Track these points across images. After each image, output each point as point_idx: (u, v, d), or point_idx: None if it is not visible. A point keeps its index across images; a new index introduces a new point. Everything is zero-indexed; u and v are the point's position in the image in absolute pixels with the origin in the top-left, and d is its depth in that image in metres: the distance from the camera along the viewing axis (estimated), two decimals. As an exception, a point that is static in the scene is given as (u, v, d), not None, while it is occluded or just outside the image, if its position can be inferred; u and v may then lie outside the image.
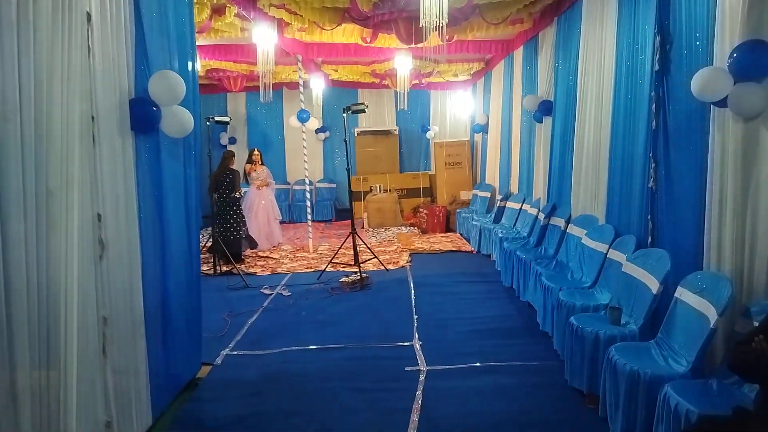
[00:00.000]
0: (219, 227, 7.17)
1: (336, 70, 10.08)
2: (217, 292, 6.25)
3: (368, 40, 6.89)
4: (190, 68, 3.61)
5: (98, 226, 2.71)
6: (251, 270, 7.22)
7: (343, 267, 7.12)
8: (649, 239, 3.82)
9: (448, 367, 3.96)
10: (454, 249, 8.34)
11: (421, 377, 3.79)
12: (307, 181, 8.93)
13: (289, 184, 12.49)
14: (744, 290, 2.81)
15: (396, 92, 12.00)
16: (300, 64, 8.27)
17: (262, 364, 4.18)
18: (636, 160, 4.06)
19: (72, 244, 2.42)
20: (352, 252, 6.96)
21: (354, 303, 5.69)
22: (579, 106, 5.28)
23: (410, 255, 7.95)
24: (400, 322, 4.99)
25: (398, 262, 7.50)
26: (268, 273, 7.11)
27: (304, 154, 8.66)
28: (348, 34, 6.86)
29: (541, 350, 4.22)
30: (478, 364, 3.98)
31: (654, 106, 3.74)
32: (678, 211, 3.53)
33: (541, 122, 6.42)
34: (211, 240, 7.17)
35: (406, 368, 3.96)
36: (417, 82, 10.86)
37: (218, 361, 4.25)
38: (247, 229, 7.73)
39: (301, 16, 5.89)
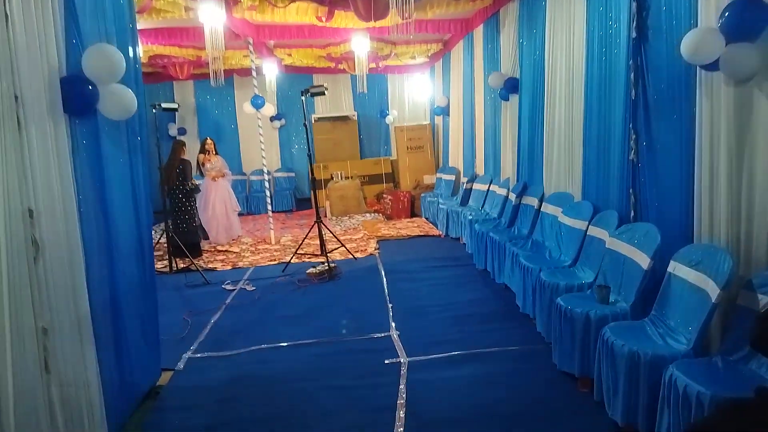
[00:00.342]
0: (172, 221, 6.71)
1: (290, 54, 9.65)
2: (175, 290, 5.83)
3: (324, 19, 6.53)
4: (129, 42, 3.20)
5: (30, 224, 2.33)
6: (210, 265, 6.81)
7: (309, 258, 6.80)
8: (632, 213, 3.69)
9: (429, 357, 3.75)
10: (422, 234, 8.15)
11: (403, 370, 3.56)
12: (265, 171, 8.51)
13: (245, 174, 12.00)
14: (742, 262, 2.69)
15: (353, 77, 11.68)
16: (251, 48, 7.82)
17: (230, 366, 3.85)
18: (613, 132, 3.92)
19: (-2, 245, 2.04)
20: (317, 242, 6.65)
21: (324, 295, 5.40)
22: (548, 82, 5.12)
23: (378, 242, 7.70)
24: (374, 312, 4.75)
25: (366, 249, 7.24)
26: (229, 267, 6.72)
27: (261, 143, 8.24)
28: (302, 13, 6.47)
29: (524, 334, 4.06)
30: (460, 352, 3.78)
31: (632, 75, 3.59)
32: (663, 183, 3.40)
33: (508, 100, 6.25)
34: (164, 236, 6.70)
35: (386, 361, 3.72)
36: (374, 65, 10.55)
37: (180, 365, 3.90)
38: (198, 219, 7.31)
39: (252, -8, 5.49)
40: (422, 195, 9.82)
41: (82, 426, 2.66)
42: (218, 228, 7.97)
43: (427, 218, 9.35)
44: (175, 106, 6.56)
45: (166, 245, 6.72)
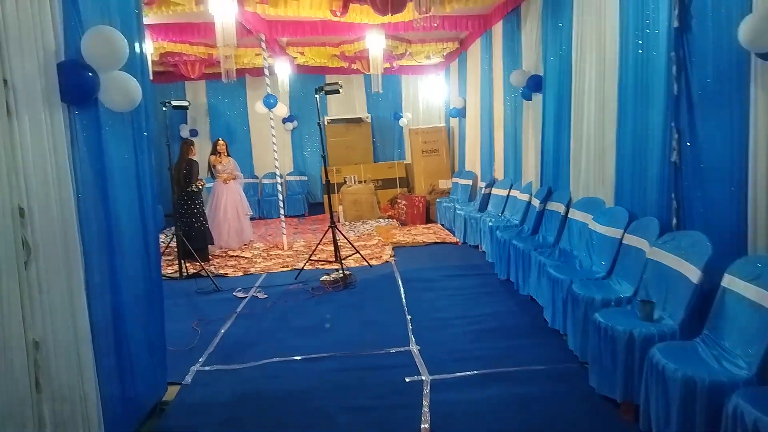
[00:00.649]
0: (180, 223, 6.50)
1: (302, 53, 9.43)
2: (185, 297, 5.61)
3: (338, 13, 6.30)
4: (135, 29, 2.98)
5: (20, 224, 2.10)
6: (221, 271, 6.58)
7: (323, 264, 6.55)
8: (674, 221, 3.40)
9: (453, 375, 3.47)
10: (439, 241, 7.87)
11: (426, 389, 3.29)
12: (278, 174, 8.29)
13: (257, 177, 11.80)
14: (812, 276, 2.40)
15: (366, 77, 11.47)
16: (263, 45, 7.61)
17: (240, 380, 3.61)
18: (652, 132, 3.63)
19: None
20: (331, 248, 6.40)
21: (338, 304, 5.14)
22: (575, 79, 4.84)
23: (393, 249, 7.43)
24: (392, 324, 4.48)
25: (381, 256, 6.98)
26: (241, 274, 6.49)
27: (273, 143, 8.02)
28: (316, 7, 6.25)
29: (555, 351, 3.77)
30: (486, 370, 3.50)
31: (674, 68, 3.30)
32: (710, 187, 3.12)
33: (530, 99, 5.98)
34: (174, 239, 6.49)
35: (407, 379, 3.45)
36: (388, 65, 10.31)
37: (188, 379, 3.65)
38: (206, 222, 7.09)
39: (265, -17, 5.27)
40: (438, 200, 9.56)
41: (79, 445, 2.43)
42: (229, 232, 7.75)
43: (443, 224, 9.07)
44: (185, 103, 6.37)
45: (176, 249, 6.52)
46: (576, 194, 4.89)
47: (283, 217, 8.01)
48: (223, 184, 7.78)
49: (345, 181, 10.61)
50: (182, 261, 6.26)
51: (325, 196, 7.05)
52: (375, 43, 7.71)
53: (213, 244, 7.39)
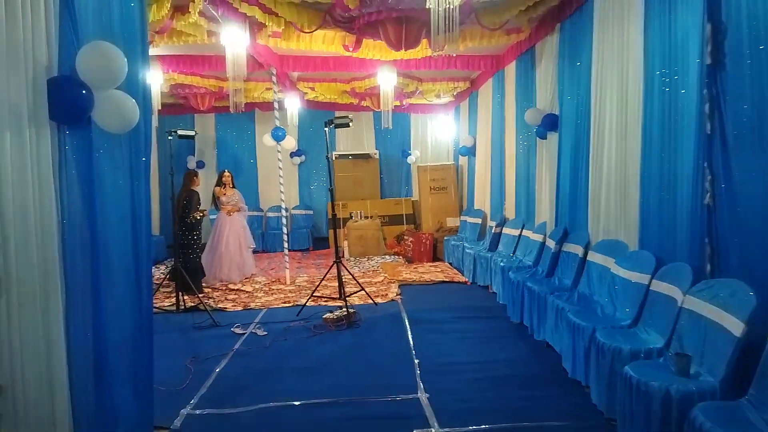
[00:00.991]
0: (179, 254, 6.27)
1: (313, 88, 9.40)
2: (180, 332, 5.33)
3: (351, 48, 6.23)
4: (139, 49, 2.83)
5: (-8, 254, 1.89)
6: (220, 305, 6.31)
7: (326, 301, 6.28)
8: (708, 268, 3.15)
9: (467, 429, 3.16)
10: (447, 280, 7.60)
11: (436, 445, 2.99)
12: (283, 207, 8.11)
13: (262, 210, 11.64)
14: None
15: (375, 114, 11.45)
16: (274, 79, 7.56)
17: (233, 427, 3.31)
18: (681, 173, 3.41)
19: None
20: (335, 284, 6.15)
21: (342, 344, 4.85)
22: (594, 117, 4.68)
23: (399, 287, 7.16)
24: (398, 368, 4.19)
25: (387, 294, 6.70)
26: (240, 308, 6.22)
27: (280, 176, 7.87)
28: (329, 42, 6.20)
29: (577, 405, 3.46)
30: (503, 425, 3.20)
31: (707, 107, 3.12)
32: (749, 232, 2.87)
33: (545, 138, 5.81)
34: (174, 271, 6.25)
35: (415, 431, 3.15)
36: (398, 103, 10.27)
37: (176, 423, 3.36)
38: (200, 255, 6.88)
39: (277, 15, 5.19)
40: (446, 238, 9.32)
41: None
42: (230, 265, 7.52)
43: (450, 263, 8.81)
44: (192, 133, 6.24)
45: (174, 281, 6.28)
46: (595, 236, 4.65)
47: (286, 251, 7.78)
48: (227, 216, 7.59)
49: (351, 216, 10.43)
50: (180, 293, 5.99)
51: (331, 231, 6.83)
52: (386, 80, 7.64)
53: (204, 276, 7.13)
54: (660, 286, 3.44)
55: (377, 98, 9.19)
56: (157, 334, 4.99)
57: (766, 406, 2.34)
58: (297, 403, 3.59)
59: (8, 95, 1.95)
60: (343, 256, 9.59)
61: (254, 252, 8.42)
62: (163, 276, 7.19)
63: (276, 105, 7.83)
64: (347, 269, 6.46)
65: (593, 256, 4.48)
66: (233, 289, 7.12)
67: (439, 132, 11.93)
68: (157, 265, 9.24)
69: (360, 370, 4.20)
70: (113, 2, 2.62)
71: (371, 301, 6.29)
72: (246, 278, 7.78)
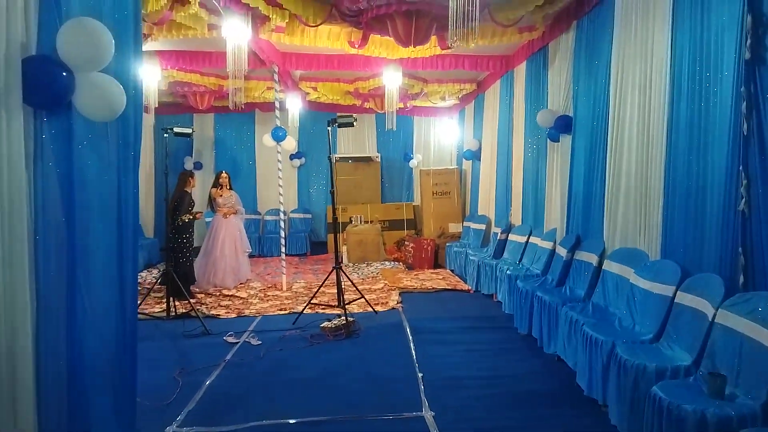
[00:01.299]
0: (171, 258, 6.01)
1: (315, 89, 9.18)
2: (170, 340, 5.07)
3: (357, 45, 6.01)
4: (132, 26, 2.59)
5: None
6: (213, 312, 6.05)
7: (323, 309, 6.03)
8: (741, 279, 2.91)
9: (477, 452, 2.92)
10: (449, 287, 7.34)
11: (444, 470, 2.73)
12: (281, 211, 7.87)
13: (260, 213, 11.39)
14: None
15: (378, 117, 11.24)
16: (276, 77, 7.33)
17: (221, 447, 3.05)
18: (712, 177, 3.19)
19: None
20: (333, 290, 5.89)
21: (340, 355, 4.60)
22: (613, 118, 4.44)
23: (400, 294, 6.91)
24: (401, 382, 3.93)
25: (387, 302, 6.44)
26: (234, 315, 5.96)
27: (279, 178, 7.62)
28: (334, 38, 5.97)
29: (595, 426, 3.22)
30: (517, 447, 2.95)
31: (744, 105, 2.89)
32: (789, 242, 2.64)
33: (557, 141, 5.58)
34: (165, 275, 5.98)
35: (422, 455, 2.90)
36: (402, 105, 10.05)
37: (161, 441, 3.10)
38: (191, 259, 6.62)
39: (282, 7, 4.96)
40: (447, 244, 9.09)
41: None
42: (225, 269, 7.25)
43: (452, 270, 8.57)
44: (188, 131, 5.98)
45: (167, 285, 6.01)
46: (611, 244, 4.41)
47: (283, 256, 7.52)
48: (223, 219, 7.34)
49: (351, 221, 10.19)
50: (170, 299, 5.73)
51: (331, 235, 6.57)
52: (391, 80, 7.42)
53: (192, 282, 6.87)
54: (686, 299, 3.20)
55: (381, 99, 8.97)
56: (144, 342, 4.75)
57: (818, 436, 2.10)
58: (292, 421, 3.32)
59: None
60: (341, 262, 9.35)
61: (250, 256, 8.17)
62: (155, 280, 6.93)
63: (277, 105, 7.59)
64: (347, 276, 6.20)
65: (609, 265, 4.24)
66: (227, 295, 6.86)
67: (442, 135, 11.72)
68: (150, 269, 8.98)
69: (360, 384, 3.95)
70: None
71: (371, 309, 6.04)
72: (241, 283, 7.51)
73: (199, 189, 10.32)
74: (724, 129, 3.05)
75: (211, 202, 7.46)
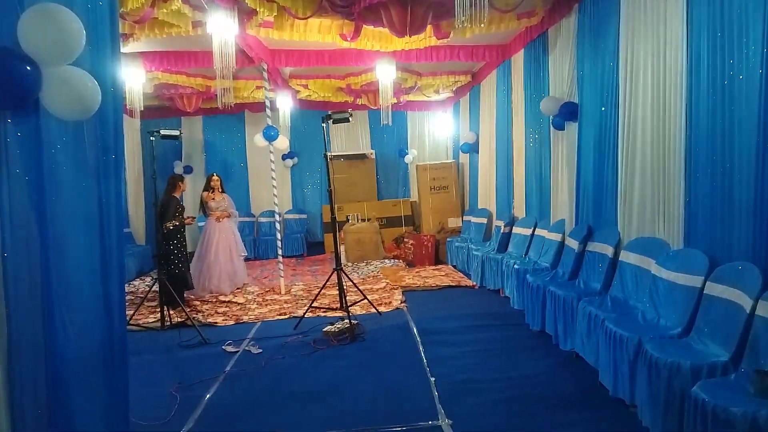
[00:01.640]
0: (162, 266, 5.75)
1: (306, 86, 8.92)
2: (166, 352, 4.82)
3: (349, 37, 5.76)
4: (108, 15, 2.34)
5: None
6: (210, 320, 5.80)
7: (324, 312, 5.80)
8: (777, 268, 2.70)
9: (502, 464, 2.70)
10: (453, 284, 7.13)
11: (469, 487, 2.51)
12: (276, 212, 7.60)
13: (254, 216, 11.13)
14: None
15: (371, 114, 11.01)
16: (265, 75, 7.08)
17: (225, 470, 2.82)
18: (740, 158, 2.97)
19: None
20: (332, 291, 5.66)
21: (346, 361, 4.37)
22: (624, 103, 4.23)
23: (403, 293, 6.69)
24: (413, 389, 3.71)
25: (390, 302, 6.22)
26: (232, 323, 5.71)
27: (273, 179, 7.37)
28: (325, 31, 5.72)
29: (627, 429, 3.01)
30: (545, 457, 2.73)
31: (774, 80, 2.68)
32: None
33: (563, 129, 5.36)
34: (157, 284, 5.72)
35: (443, 471, 2.67)
36: (395, 100, 9.80)
37: (160, 465, 2.87)
38: (184, 266, 6.35)
39: (270, 0, 4.71)
40: (448, 240, 8.87)
41: None
42: (221, 275, 7.00)
43: (455, 266, 8.36)
44: (176, 133, 5.72)
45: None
46: (627, 233, 4.20)
47: (280, 258, 7.28)
48: (216, 223, 7.08)
49: (347, 219, 9.95)
50: (165, 308, 5.47)
51: (330, 235, 6.31)
52: (385, 73, 7.18)
53: (190, 289, 6.61)
54: (717, 290, 2.99)
55: (374, 95, 8.72)
56: (138, 356, 4.55)
57: None
58: (301, 436, 3.11)
59: None
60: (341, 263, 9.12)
61: (246, 260, 7.91)
62: (148, 288, 6.66)
63: (267, 104, 7.34)
64: (348, 277, 5.97)
65: (626, 256, 4.03)
66: (224, 301, 6.61)
67: (436, 130, 11.49)
68: (143, 277, 8.71)
69: (370, 392, 3.72)
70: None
71: (374, 311, 5.81)
72: (238, 289, 7.26)
73: (190, 193, 10.05)
74: (753, 106, 2.83)
75: (203, 206, 7.20)
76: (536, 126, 6.14)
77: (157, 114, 10.37)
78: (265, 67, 7.01)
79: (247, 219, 10.87)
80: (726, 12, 3.04)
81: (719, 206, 3.14)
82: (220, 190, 7.28)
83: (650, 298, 3.55)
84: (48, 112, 2.00)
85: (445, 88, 9.57)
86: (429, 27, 5.50)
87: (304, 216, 11.27)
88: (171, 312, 5.59)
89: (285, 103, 9.07)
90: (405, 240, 9.44)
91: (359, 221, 9.94)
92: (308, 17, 4.96)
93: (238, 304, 6.50)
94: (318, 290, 6.04)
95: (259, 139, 7.35)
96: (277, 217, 7.61)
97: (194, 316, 5.80)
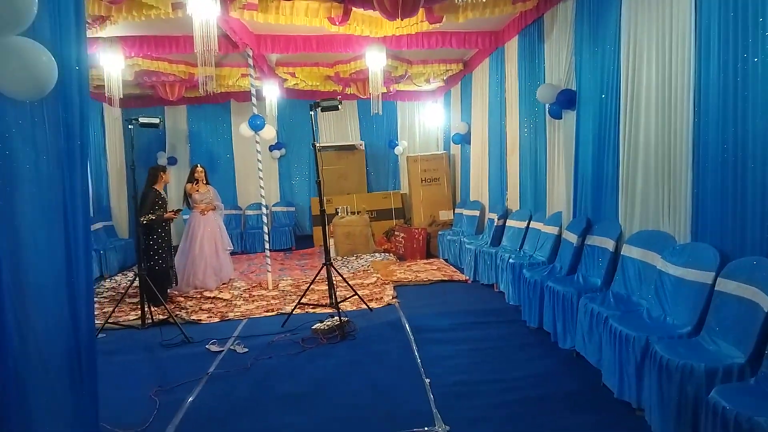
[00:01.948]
0: (143, 261, 5.49)
1: (293, 74, 8.64)
2: (146, 352, 4.58)
3: (338, 21, 5.51)
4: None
5: None
6: (194, 317, 5.56)
7: (313, 308, 5.58)
8: (796, 262, 2.54)
9: (504, 474, 2.52)
10: (445, 278, 6.95)
11: (470, 501, 2.33)
12: (263, 205, 7.37)
13: (240, 208, 10.86)
14: None
15: (360, 104, 10.77)
16: (250, 61, 6.81)
17: (206, 482, 2.61)
18: (754, 147, 2.80)
19: None
20: (321, 287, 5.45)
21: (336, 361, 4.16)
22: (625, 90, 4.05)
23: (394, 288, 6.49)
24: (407, 391, 3.52)
25: (382, 298, 6.02)
26: (217, 320, 5.48)
27: (260, 170, 7.12)
28: (312, 14, 5.46)
29: (634, 434, 2.84)
30: (550, 466, 2.56)
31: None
32: None
33: (560, 118, 5.17)
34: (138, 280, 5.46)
35: (441, 482, 2.49)
36: (385, 90, 9.56)
37: (136, 476, 2.65)
38: (166, 261, 6.10)
39: (254, -22, 4.47)
40: (440, 233, 8.69)
41: None
42: (206, 270, 6.76)
43: (446, 260, 8.18)
44: (155, 121, 5.47)
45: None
46: (629, 227, 4.03)
47: (268, 252, 7.04)
48: (201, 216, 6.83)
49: (337, 212, 9.72)
50: (145, 305, 5.23)
51: (319, 228, 6.09)
52: (375, 61, 6.94)
53: (173, 286, 6.37)
54: (730, 286, 2.82)
55: (363, 84, 8.49)
56: (116, 356, 4.32)
57: None
58: (288, 443, 2.90)
59: None
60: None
61: (232, 254, 7.67)
62: (128, 284, 6.41)
63: (253, 92, 7.06)
64: (338, 272, 5.76)
65: (629, 251, 3.86)
66: (209, 297, 6.37)
67: (427, 120, 11.29)
68: (125, 272, 8.44)
69: (361, 395, 3.52)
70: None
71: (365, 307, 5.61)
72: (223, 284, 7.03)
73: (174, 185, 9.73)
74: (765, 92, 2.65)
75: (187, 199, 6.94)
76: (531, 115, 5.95)
77: (139, 103, 10.06)
78: (250, 54, 6.74)
79: (233, 212, 10.62)
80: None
81: (730, 197, 2.97)
82: (205, 182, 7.02)
83: (656, 295, 3.38)
84: (-2, 92, 1.77)
85: (436, 77, 9.34)
86: (421, 11, 5.27)
87: (292, 208, 11.02)
88: (153, 309, 5.34)
89: (272, 93, 8.79)
90: (396, 233, 9.24)
91: (349, 214, 9.71)
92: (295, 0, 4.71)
93: (224, 300, 6.26)
94: (307, 286, 5.82)
95: (245, 129, 7.08)
96: (264, 209, 7.37)
97: (177, 313, 5.56)
